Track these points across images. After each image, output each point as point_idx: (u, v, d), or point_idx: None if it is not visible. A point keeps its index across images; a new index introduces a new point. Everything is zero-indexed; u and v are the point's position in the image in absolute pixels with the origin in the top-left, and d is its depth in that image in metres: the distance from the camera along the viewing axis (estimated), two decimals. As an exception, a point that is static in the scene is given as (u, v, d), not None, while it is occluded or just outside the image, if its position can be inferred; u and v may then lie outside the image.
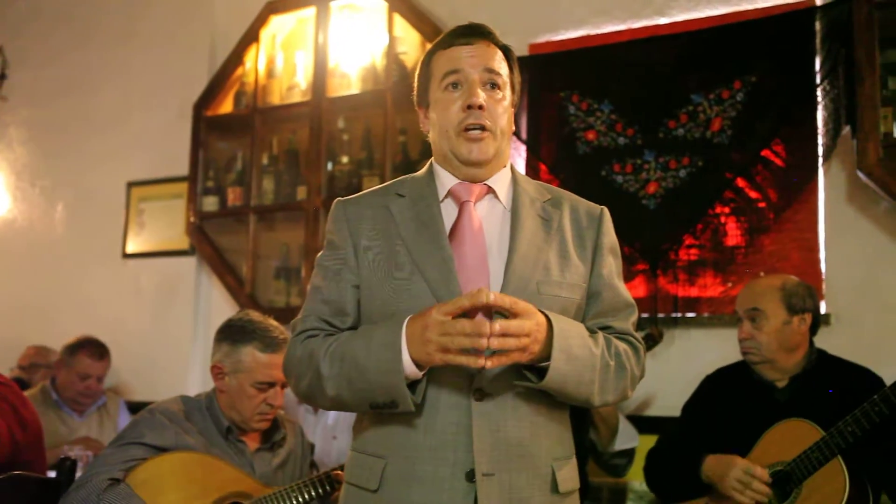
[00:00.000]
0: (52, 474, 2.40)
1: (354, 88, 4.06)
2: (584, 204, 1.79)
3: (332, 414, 3.12)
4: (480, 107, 1.65)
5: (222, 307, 4.25)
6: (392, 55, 3.95)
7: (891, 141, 2.96)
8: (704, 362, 2.90)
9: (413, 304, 1.58)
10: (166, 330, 4.39)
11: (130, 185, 4.62)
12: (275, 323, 2.46)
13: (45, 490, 2.30)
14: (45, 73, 4.99)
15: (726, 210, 3.30)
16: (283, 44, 4.33)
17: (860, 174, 3.00)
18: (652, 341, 3.05)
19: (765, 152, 3.24)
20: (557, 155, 3.61)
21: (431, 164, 1.78)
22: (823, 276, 3.12)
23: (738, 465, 2.38)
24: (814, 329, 2.58)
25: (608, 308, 1.72)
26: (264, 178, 4.23)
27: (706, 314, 3.28)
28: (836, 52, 3.11)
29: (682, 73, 3.39)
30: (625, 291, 1.76)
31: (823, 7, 3.16)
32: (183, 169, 4.40)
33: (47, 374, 3.97)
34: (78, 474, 2.35)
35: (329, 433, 3.11)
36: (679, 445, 2.64)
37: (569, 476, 1.66)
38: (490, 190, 1.72)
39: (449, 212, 1.70)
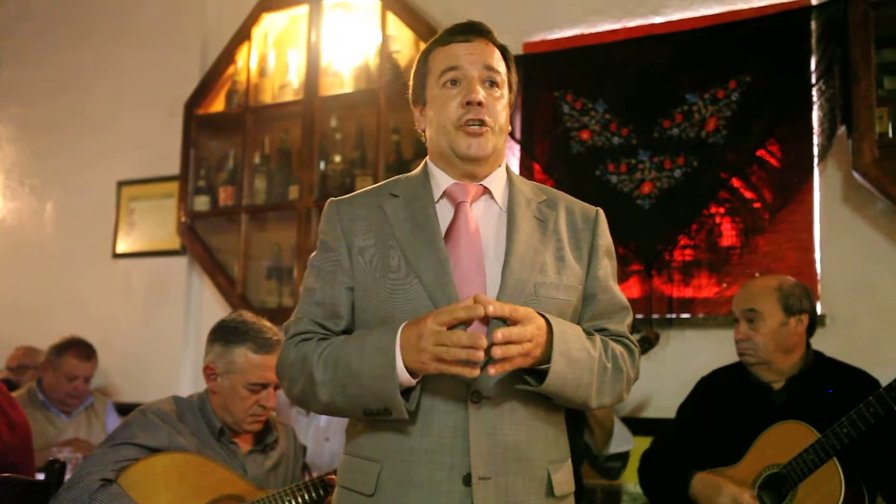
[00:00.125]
0: (40, 476, 2.38)
1: (347, 87, 4.04)
2: (580, 205, 1.78)
3: (325, 416, 3.10)
4: (480, 103, 1.64)
5: (213, 308, 4.23)
6: (385, 54, 3.93)
7: (886, 141, 2.96)
8: (699, 364, 2.90)
9: (408, 307, 1.57)
10: (157, 331, 4.37)
11: (121, 184, 4.59)
12: (268, 324, 2.44)
13: (34, 492, 2.28)
14: (36, 72, 4.96)
15: (721, 210, 3.29)
16: (276, 42, 4.31)
17: (855, 174, 3.00)
18: (648, 344, 3.04)
19: (760, 152, 3.24)
20: (551, 154, 3.59)
21: (426, 163, 1.76)
22: (819, 277, 3.12)
23: (726, 492, 2.37)
24: (810, 330, 2.57)
25: (604, 310, 1.72)
26: (256, 178, 4.20)
27: (701, 315, 3.27)
28: (832, 52, 3.10)
29: (676, 73, 3.38)
30: (620, 294, 1.76)
31: (819, 6, 3.16)
32: (174, 168, 4.37)
33: (36, 376, 3.94)
34: (67, 476, 2.33)
35: (321, 435, 3.09)
36: (673, 448, 2.63)
37: (564, 479, 1.66)
38: (486, 190, 1.71)
39: (444, 212, 1.68)
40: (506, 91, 1.71)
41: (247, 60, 4.25)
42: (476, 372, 1.46)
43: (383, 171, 3.78)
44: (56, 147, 4.83)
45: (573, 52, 3.59)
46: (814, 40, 3.15)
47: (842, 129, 3.09)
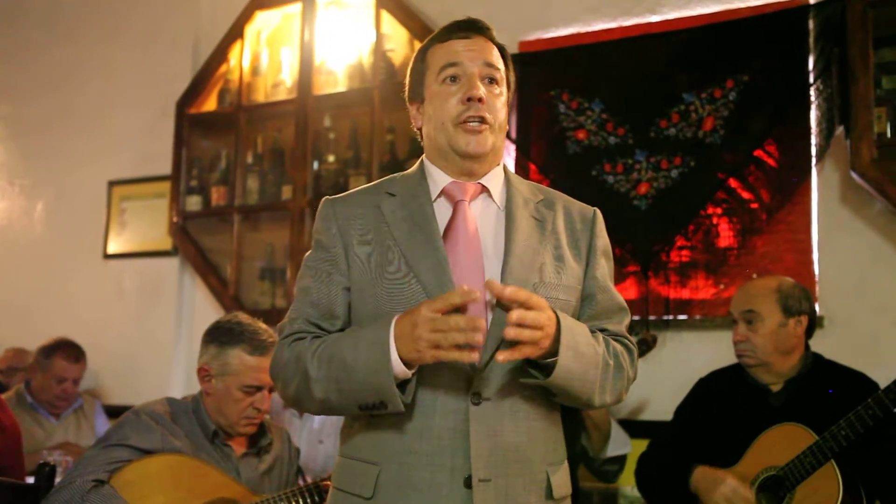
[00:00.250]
0: (30, 480, 2.35)
1: (341, 86, 4.02)
2: (577, 205, 1.77)
3: (318, 418, 3.08)
4: (480, 99, 1.63)
5: (206, 309, 4.20)
6: (379, 52, 3.91)
7: (884, 141, 2.96)
8: (696, 365, 2.89)
9: (407, 307, 1.54)
10: (149, 332, 4.33)
11: (112, 183, 4.55)
12: (264, 326, 2.43)
13: (24, 496, 2.26)
14: (26, 70, 4.93)
15: (718, 211, 3.28)
16: (269, 40, 4.29)
17: (853, 175, 2.99)
18: (645, 346, 3.03)
19: (757, 152, 3.23)
20: (547, 154, 3.58)
21: (423, 161, 1.75)
22: (816, 278, 3.11)
23: (726, 483, 2.36)
24: (809, 332, 2.56)
25: (602, 311, 1.71)
26: (249, 178, 4.18)
27: (698, 316, 3.26)
28: (830, 52, 3.10)
29: (673, 72, 3.37)
30: (618, 295, 1.75)
31: (817, 5, 3.15)
32: (166, 168, 4.34)
33: (25, 378, 3.90)
34: (57, 480, 2.30)
35: (315, 437, 3.06)
36: (671, 450, 2.62)
37: (562, 481, 1.65)
38: (484, 189, 1.69)
39: (442, 211, 1.66)
40: (504, 89, 1.70)
41: (239, 59, 4.23)
42: (475, 356, 1.44)
43: (377, 170, 3.77)
44: (46, 146, 4.79)
45: (569, 52, 3.58)
46: (812, 40, 3.15)
47: (840, 129, 3.09)
